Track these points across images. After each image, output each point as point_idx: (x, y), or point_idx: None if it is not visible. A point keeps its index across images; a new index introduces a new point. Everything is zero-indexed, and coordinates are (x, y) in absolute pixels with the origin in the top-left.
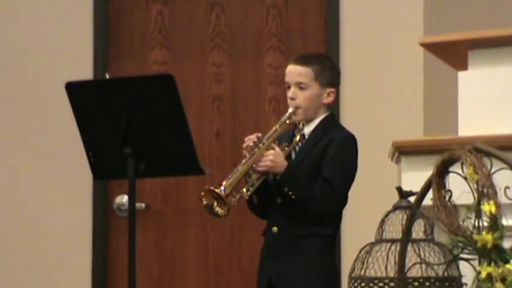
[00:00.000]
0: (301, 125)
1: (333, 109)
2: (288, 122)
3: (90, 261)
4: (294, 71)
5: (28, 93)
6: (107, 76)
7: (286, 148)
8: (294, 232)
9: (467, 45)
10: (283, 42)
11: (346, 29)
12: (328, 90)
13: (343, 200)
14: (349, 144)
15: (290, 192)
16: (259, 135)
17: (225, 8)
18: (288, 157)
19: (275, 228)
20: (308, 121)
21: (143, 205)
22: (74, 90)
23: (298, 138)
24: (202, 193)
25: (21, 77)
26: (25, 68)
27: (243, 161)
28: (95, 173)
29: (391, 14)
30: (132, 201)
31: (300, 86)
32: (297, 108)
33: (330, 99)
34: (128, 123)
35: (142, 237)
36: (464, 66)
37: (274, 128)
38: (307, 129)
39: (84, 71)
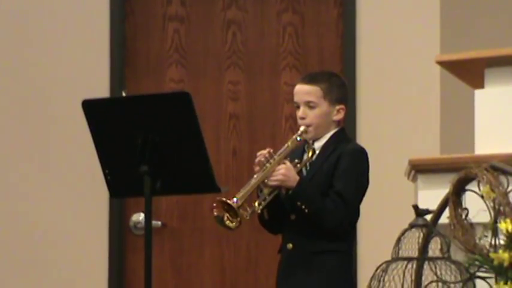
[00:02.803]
0: (311, 141)
1: (349, 127)
2: (298, 139)
3: (107, 279)
4: (302, 90)
5: (45, 111)
6: (124, 94)
7: (298, 165)
8: (309, 248)
9: (484, 63)
10: (300, 61)
11: (362, 47)
12: (337, 107)
13: (356, 214)
14: (360, 157)
15: (303, 206)
16: (271, 150)
17: (242, 26)
18: (299, 173)
19: (290, 245)
20: (318, 137)
21: (159, 223)
22: (91, 108)
23: (310, 154)
24: (215, 204)
25: (38, 95)
26: (42, 87)
27: (255, 175)
28: (112, 191)
29: (407, 32)
30: (148, 219)
31: (309, 105)
32: (307, 126)
33: (340, 116)
34: (145, 141)
35: (159, 255)
36: (481, 84)
37: (285, 145)
38: (317, 144)
39: (101, 89)
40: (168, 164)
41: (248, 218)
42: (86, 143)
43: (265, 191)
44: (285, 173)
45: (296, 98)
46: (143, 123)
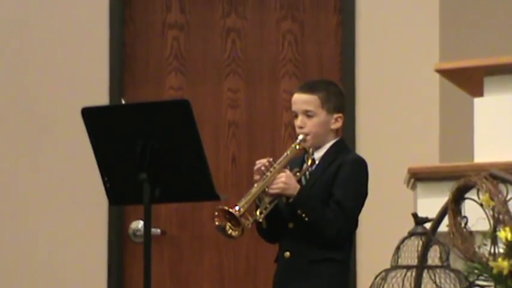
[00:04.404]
0: (311, 151)
1: (349, 135)
2: (297, 147)
3: (106, 287)
4: (301, 100)
5: (44, 119)
6: (123, 102)
7: (298, 174)
8: (307, 257)
9: (483, 71)
10: (299, 68)
11: (361, 55)
12: (335, 115)
13: (354, 224)
14: (360, 167)
15: (303, 215)
16: (271, 159)
17: (241, 33)
18: (299, 182)
19: (287, 253)
20: (318, 147)
21: (159, 231)
22: (90, 115)
23: (309, 163)
24: (216, 213)
25: (37, 103)
26: (41, 94)
27: (255, 184)
28: (111, 198)
29: (407, 40)
30: (147, 226)
31: (308, 114)
32: (306, 135)
33: (338, 124)
34: (144, 149)
35: (158, 263)
36: (480, 93)
37: (285, 153)
38: (317, 155)
39: (100, 97)
40: (168, 171)
41: (249, 226)
42: (85, 151)
43: (266, 199)
44: (285, 181)
45: (294, 107)
46: (143, 130)
